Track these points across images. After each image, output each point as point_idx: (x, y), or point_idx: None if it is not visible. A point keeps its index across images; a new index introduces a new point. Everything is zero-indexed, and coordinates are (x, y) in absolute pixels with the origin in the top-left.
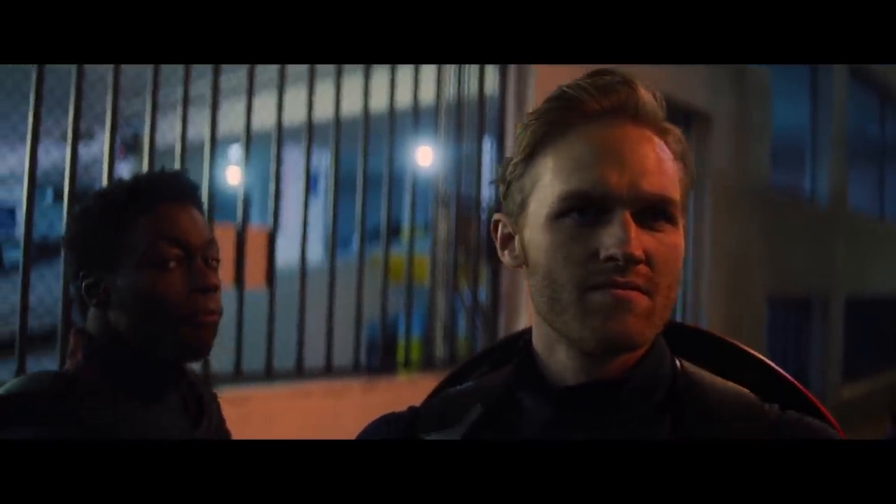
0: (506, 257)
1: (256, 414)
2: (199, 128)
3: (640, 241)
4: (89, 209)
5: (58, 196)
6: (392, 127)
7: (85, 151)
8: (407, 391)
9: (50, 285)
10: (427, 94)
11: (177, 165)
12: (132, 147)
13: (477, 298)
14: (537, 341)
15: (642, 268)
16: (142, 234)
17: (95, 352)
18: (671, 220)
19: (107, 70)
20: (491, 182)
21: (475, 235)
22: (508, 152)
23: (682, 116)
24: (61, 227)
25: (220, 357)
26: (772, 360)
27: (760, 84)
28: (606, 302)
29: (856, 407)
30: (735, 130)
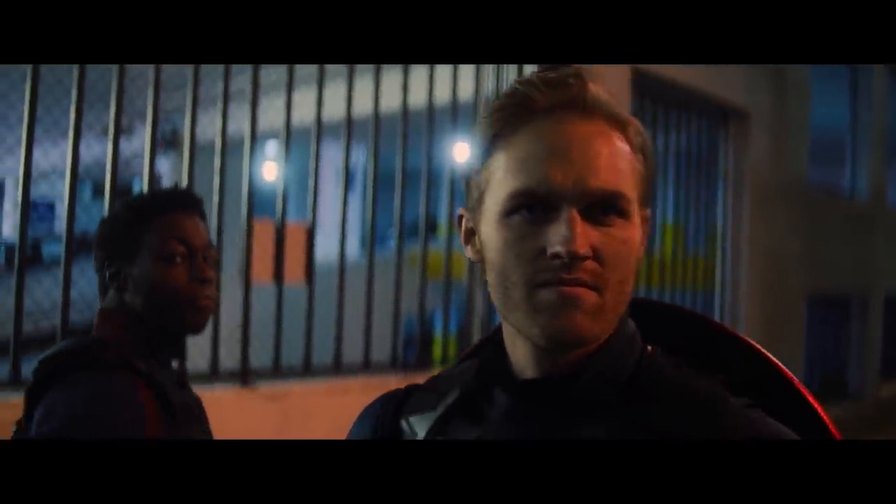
0: (469, 252)
1: (295, 409)
2: (239, 123)
3: (588, 237)
4: (117, 215)
5: (97, 191)
6: (430, 123)
7: (125, 146)
8: None
9: (91, 280)
10: (465, 91)
11: (216, 161)
12: (171, 142)
13: None
14: (504, 334)
15: (589, 264)
16: (156, 234)
17: (110, 320)
18: (622, 215)
19: (147, 66)
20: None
21: None
22: None
23: (720, 113)
24: None
25: (260, 353)
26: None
27: (799, 81)
28: (553, 299)
29: (895, 405)
30: (773, 127)
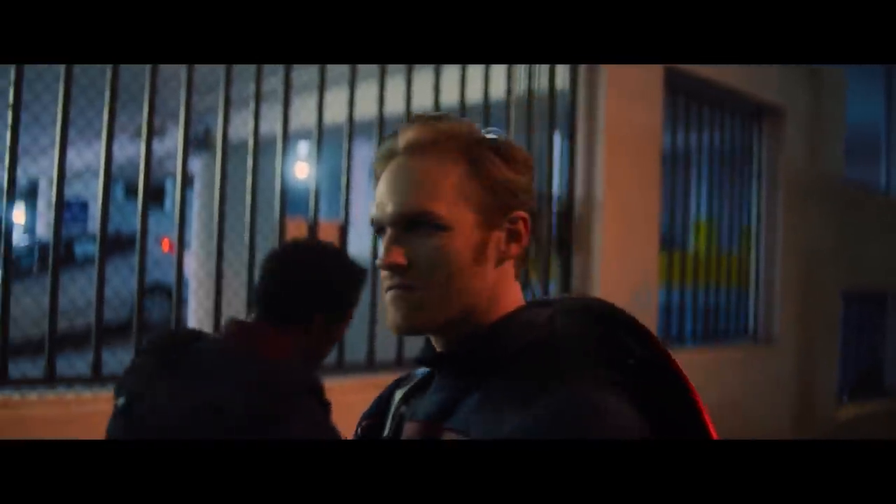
0: None
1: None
2: (271, 123)
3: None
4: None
5: (130, 191)
6: None
7: (157, 147)
8: None
9: (125, 278)
10: (497, 90)
11: (249, 161)
12: (203, 142)
13: (547, 292)
14: None
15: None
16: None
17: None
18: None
19: (180, 67)
20: None
21: (546, 230)
22: (579, 147)
23: (754, 110)
24: (134, 221)
25: None
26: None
27: (835, 79)
28: (388, 300)
29: None
30: (808, 124)
